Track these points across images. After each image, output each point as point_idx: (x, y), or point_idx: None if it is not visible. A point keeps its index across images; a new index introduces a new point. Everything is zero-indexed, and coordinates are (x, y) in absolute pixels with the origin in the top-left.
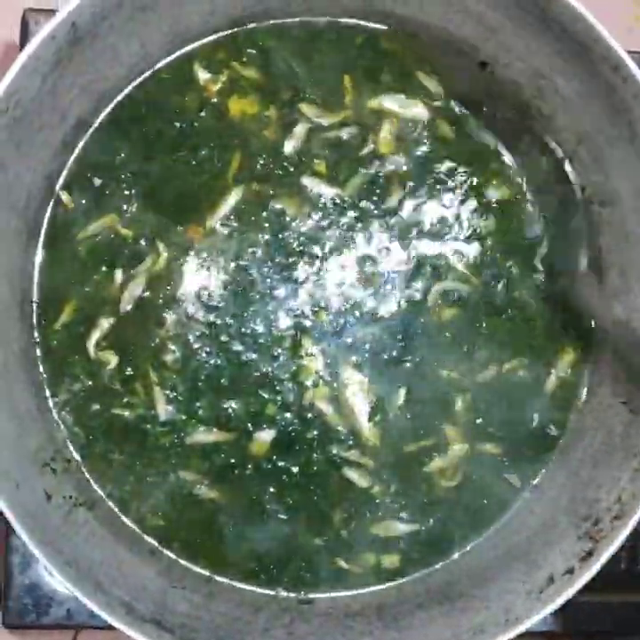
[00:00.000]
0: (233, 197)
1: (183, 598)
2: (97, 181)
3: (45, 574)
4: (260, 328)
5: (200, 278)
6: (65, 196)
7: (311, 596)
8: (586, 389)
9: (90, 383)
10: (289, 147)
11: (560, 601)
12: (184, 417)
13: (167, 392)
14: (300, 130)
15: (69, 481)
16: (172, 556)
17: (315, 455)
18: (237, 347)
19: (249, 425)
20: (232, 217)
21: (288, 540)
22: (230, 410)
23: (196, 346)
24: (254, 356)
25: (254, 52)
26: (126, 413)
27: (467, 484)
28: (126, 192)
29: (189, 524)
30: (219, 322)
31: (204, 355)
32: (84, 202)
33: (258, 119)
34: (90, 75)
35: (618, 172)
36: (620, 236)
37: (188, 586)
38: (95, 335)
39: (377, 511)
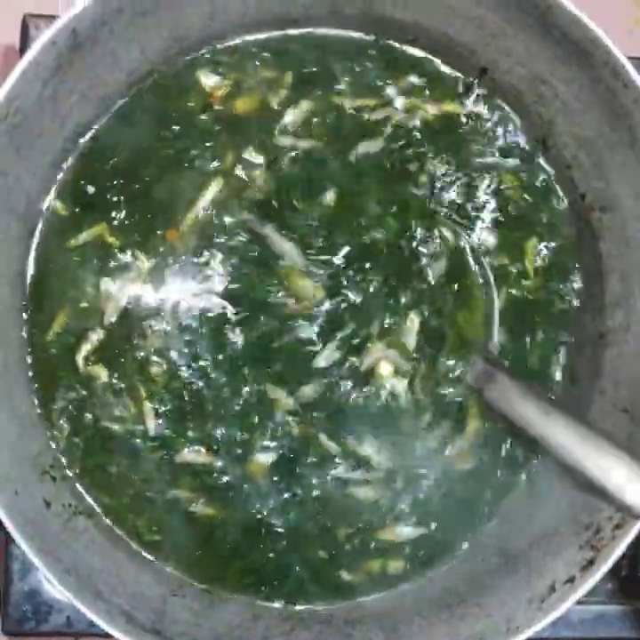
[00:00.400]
0: (209, 193)
1: (183, 607)
2: (90, 189)
3: (45, 582)
4: (233, 353)
5: (176, 291)
6: (58, 204)
7: (311, 607)
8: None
9: (83, 394)
10: (289, 117)
11: (561, 610)
12: (174, 434)
13: (156, 407)
14: (305, 106)
15: (68, 489)
16: (169, 569)
17: (316, 479)
18: (214, 373)
19: (239, 451)
20: (207, 214)
21: (288, 554)
22: (218, 435)
23: (178, 363)
24: (230, 388)
25: (268, 55)
26: (116, 426)
27: (478, 468)
28: (116, 199)
29: (185, 539)
30: (195, 341)
31: (186, 375)
32: (77, 209)
33: (262, 107)
34: (90, 80)
35: (618, 176)
36: (620, 242)
37: (187, 594)
38: (85, 348)
39: (384, 519)
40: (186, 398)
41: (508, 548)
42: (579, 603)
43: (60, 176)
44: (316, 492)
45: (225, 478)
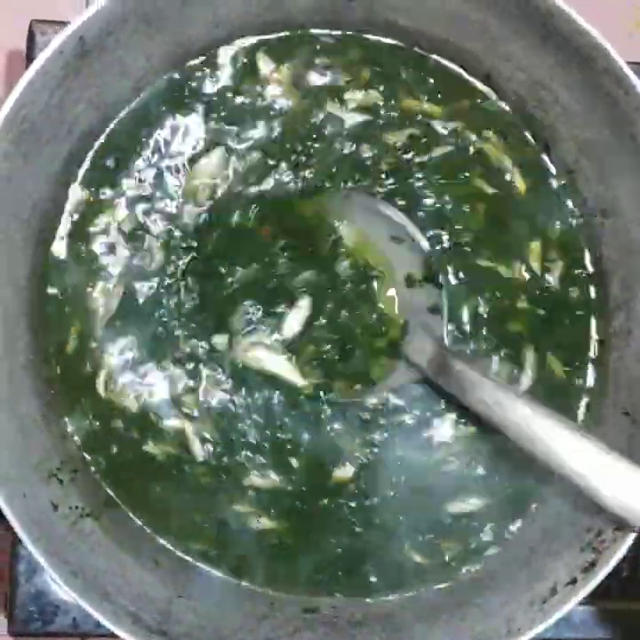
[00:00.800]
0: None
1: (188, 608)
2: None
3: (51, 583)
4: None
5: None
6: (84, 192)
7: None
8: (587, 399)
9: (108, 420)
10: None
11: (562, 612)
12: (227, 462)
13: (204, 434)
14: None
15: (76, 491)
16: (219, 573)
17: (402, 476)
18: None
19: (310, 475)
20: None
21: (363, 549)
22: (292, 461)
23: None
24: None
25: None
26: (157, 452)
27: None
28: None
29: (240, 549)
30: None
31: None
32: (99, 198)
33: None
34: (96, 88)
35: (620, 180)
36: (622, 246)
37: (193, 595)
38: (103, 373)
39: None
40: (231, 431)
41: (510, 549)
42: (580, 603)
43: (82, 166)
44: (401, 489)
45: (296, 503)
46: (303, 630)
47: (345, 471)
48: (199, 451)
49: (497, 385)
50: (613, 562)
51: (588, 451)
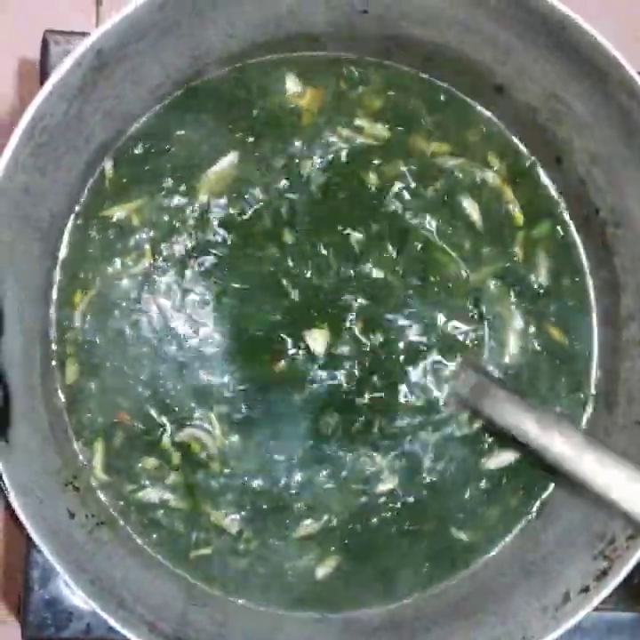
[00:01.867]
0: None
1: (205, 616)
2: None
3: (65, 589)
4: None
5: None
6: (109, 169)
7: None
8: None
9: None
10: None
11: (576, 619)
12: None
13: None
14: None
15: (92, 500)
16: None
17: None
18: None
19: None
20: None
21: (418, 546)
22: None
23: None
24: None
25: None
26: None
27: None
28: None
29: (295, 590)
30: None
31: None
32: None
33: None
34: (113, 98)
35: (632, 192)
36: (635, 256)
37: (209, 604)
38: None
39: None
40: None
41: (523, 556)
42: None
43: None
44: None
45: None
46: (317, 638)
47: (387, 484)
48: (231, 525)
49: (531, 410)
50: (626, 570)
51: (615, 469)
